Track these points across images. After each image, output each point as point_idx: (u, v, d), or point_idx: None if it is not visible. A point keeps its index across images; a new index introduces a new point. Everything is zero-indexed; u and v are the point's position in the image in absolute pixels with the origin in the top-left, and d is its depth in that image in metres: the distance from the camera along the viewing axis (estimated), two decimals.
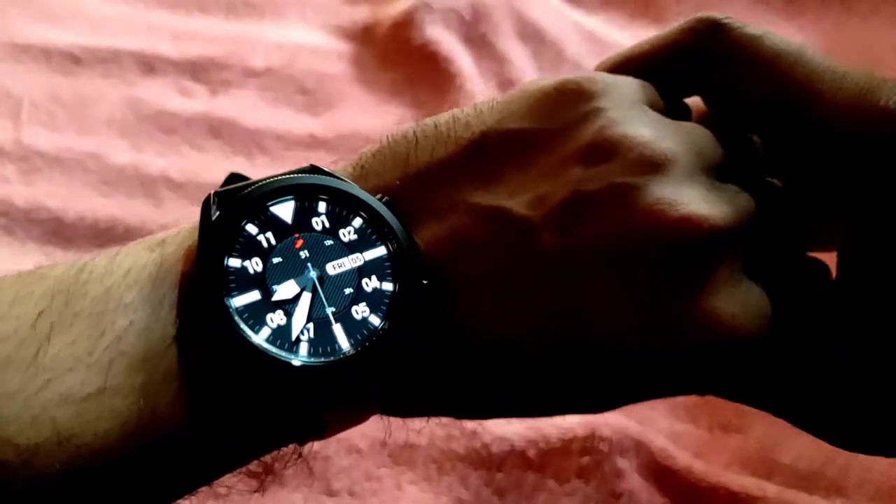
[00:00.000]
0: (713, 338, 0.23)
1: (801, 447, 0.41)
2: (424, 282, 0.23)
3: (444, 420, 0.41)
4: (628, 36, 0.63)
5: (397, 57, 0.60)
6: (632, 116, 0.25)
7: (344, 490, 0.40)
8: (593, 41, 0.63)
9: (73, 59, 0.57)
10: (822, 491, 0.39)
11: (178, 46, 0.59)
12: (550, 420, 0.41)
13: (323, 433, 0.24)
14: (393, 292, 0.24)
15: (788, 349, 0.25)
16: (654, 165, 0.23)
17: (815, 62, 0.25)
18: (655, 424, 0.42)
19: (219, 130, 0.55)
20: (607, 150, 0.24)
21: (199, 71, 0.58)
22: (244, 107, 0.57)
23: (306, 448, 0.25)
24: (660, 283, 0.23)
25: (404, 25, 0.60)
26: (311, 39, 0.62)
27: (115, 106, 0.55)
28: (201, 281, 0.23)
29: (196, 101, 0.57)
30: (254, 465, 0.25)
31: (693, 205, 0.23)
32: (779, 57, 0.25)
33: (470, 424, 0.41)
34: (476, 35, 0.61)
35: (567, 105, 0.25)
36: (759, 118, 0.26)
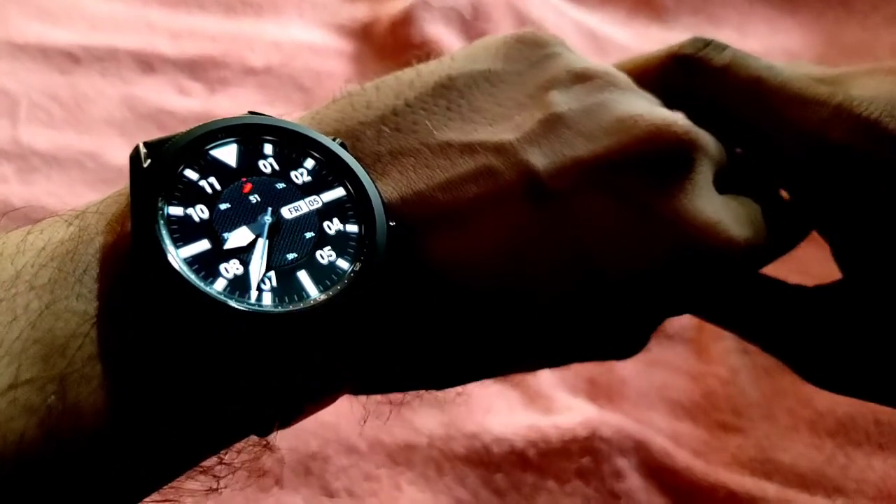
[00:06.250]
0: (701, 242, 0.24)
1: (801, 447, 0.41)
2: (391, 223, 0.21)
3: (444, 420, 0.41)
4: (629, 34, 0.63)
5: (396, 55, 0.60)
6: (589, 59, 0.26)
7: (343, 490, 0.39)
8: (593, 39, 0.62)
9: (71, 58, 0.57)
10: (823, 491, 0.39)
11: (177, 45, 0.59)
12: (551, 420, 0.41)
13: (296, 412, 0.21)
14: (359, 234, 0.21)
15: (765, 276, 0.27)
16: (621, 86, 0.26)
17: (787, 86, 0.27)
18: (655, 424, 0.42)
19: None
20: (575, 78, 0.25)
21: (197, 69, 0.58)
22: (243, 105, 0.57)
23: (270, 437, 0.22)
24: (641, 191, 0.24)
25: (403, 23, 0.60)
26: (309, 37, 0.61)
27: (113, 104, 0.55)
28: (137, 234, 0.19)
29: (194, 100, 0.57)
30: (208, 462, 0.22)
31: (661, 116, 0.25)
32: (751, 85, 0.27)
33: (470, 426, 0.41)
34: (476, 33, 0.60)
35: (529, 49, 0.26)
36: (739, 140, 0.28)
